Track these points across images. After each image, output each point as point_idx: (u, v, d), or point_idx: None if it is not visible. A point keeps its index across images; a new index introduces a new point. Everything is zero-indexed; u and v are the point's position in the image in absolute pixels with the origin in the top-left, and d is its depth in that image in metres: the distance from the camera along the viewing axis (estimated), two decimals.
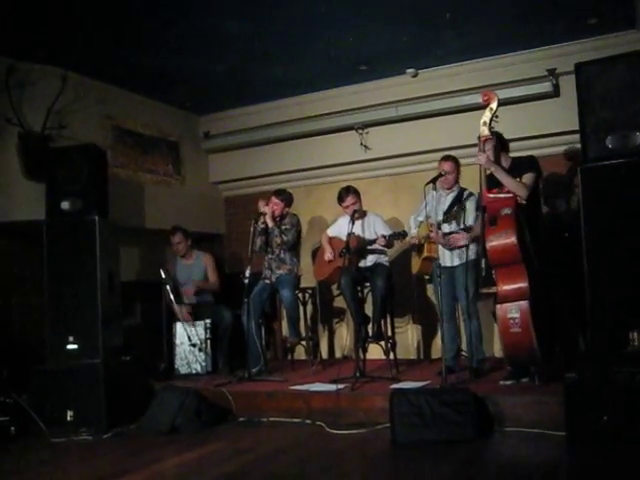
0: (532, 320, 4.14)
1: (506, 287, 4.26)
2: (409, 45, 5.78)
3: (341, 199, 5.58)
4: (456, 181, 5.16)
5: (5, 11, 4.64)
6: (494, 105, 4.49)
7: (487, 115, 4.50)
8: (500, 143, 4.75)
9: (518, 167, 4.61)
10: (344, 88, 6.81)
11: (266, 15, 5.02)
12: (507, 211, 4.30)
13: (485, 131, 4.51)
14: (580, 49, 5.64)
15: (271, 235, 5.89)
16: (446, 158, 5.17)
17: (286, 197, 5.99)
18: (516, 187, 4.48)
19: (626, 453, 3.37)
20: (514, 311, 4.18)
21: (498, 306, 4.26)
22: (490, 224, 4.31)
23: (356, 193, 5.58)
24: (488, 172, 4.56)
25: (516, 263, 4.24)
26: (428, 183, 4.87)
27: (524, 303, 4.18)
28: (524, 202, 4.47)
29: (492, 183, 4.53)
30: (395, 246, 5.78)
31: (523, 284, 4.22)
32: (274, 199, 5.93)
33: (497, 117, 4.52)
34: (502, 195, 4.46)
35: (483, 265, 4.45)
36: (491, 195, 4.45)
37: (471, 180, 5.20)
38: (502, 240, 4.25)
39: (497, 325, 4.32)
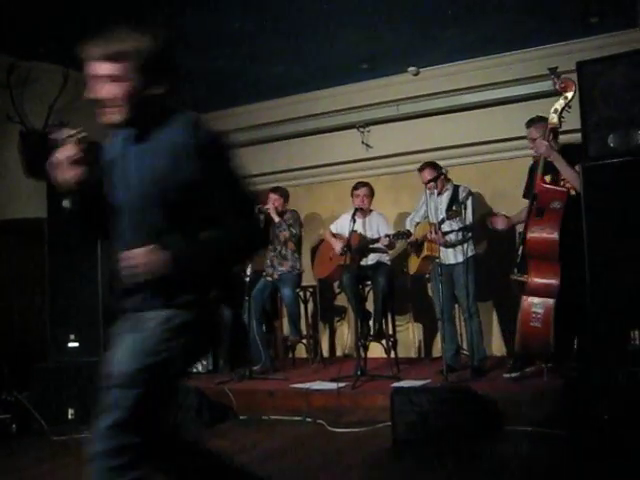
0: (554, 320, 4.11)
1: (537, 280, 4.21)
2: (411, 43, 5.78)
3: (355, 188, 5.64)
4: (444, 181, 5.15)
5: (7, 9, 4.64)
6: (570, 94, 4.26)
7: (560, 103, 4.29)
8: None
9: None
10: (346, 86, 6.80)
11: (268, 13, 5.02)
12: (557, 205, 4.19)
13: (555, 119, 4.33)
14: (582, 48, 5.63)
15: (276, 230, 5.91)
16: (423, 167, 5.18)
17: (283, 192, 6.05)
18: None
19: (627, 452, 3.37)
20: (539, 306, 4.15)
21: (524, 297, 4.22)
22: (536, 214, 4.23)
23: (371, 189, 5.65)
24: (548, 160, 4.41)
25: (553, 259, 4.19)
26: (430, 181, 4.87)
27: (551, 301, 4.14)
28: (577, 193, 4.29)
29: (548, 169, 4.43)
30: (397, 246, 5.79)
31: (554, 282, 4.16)
32: (273, 195, 5.96)
33: (570, 107, 4.29)
34: (556, 187, 4.35)
35: (520, 252, 4.40)
36: (545, 185, 4.34)
37: (473, 178, 5.22)
38: (544, 234, 4.18)
39: (518, 314, 4.26)
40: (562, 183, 4.43)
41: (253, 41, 5.53)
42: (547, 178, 4.45)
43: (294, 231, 5.88)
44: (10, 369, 4.97)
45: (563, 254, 4.18)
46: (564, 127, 5.76)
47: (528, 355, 4.48)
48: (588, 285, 3.69)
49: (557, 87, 4.35)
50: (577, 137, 4.82)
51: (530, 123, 4.67)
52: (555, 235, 4.15)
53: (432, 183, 4.91)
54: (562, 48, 5.85)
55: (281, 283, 5.86)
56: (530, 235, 4.23)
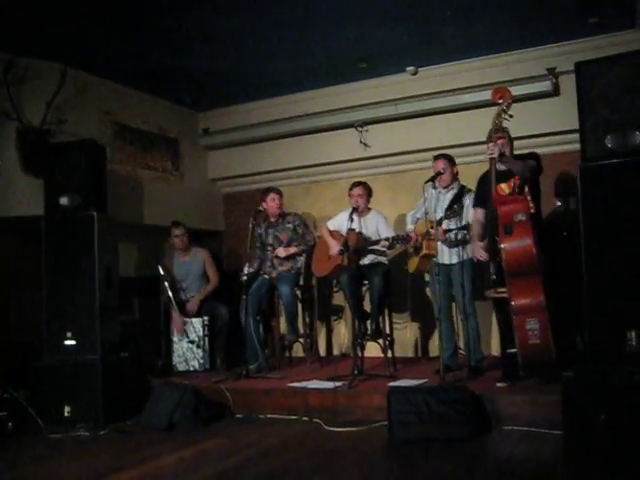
0: (551, 330, 4.07)
1: (522, 301, 4.12)
2: (409, 43, 5.77)
3: (350, 188, 5.67)
4: (454, 179, 5.16)
5: (5, 6, 4.63)
6: (507, 103, 4.34)
7: (499, 114, 4.35)
8: (510, 140, 4.65)
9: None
10: (344, 86, 6.80)
11: (266, 12, 5.01)
12: (522, 217, 4.14)
13: (497, 131, 4.40)
14: (580, 48, 5.64)
15: (276, 232, 5.93)
16: (438, 157, 5.18)
17: (280, 190, 6.07)
18: (520, 168, 4.37)
19: (623, 452, 3.37)
20: (533, 322, 4.07)
21: (514, 317, 4.14)
22: (506, 232, 4.14)
23: (367, 188, 5.66)
24: (501, 168, 4.46)
25: (532, 274, 4.11)
26: (427, 181, 4.87)
27: (543, 315, 4.07)
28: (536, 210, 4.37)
29: (500, 177, 4.45)
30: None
31: (540, 297, 4.09)
32: (273, 195, 5.95)
33: (511, 116, 4.35)
34: (514, 197, 4.32)
35: (492, 270, 4.37)
36: (502, 198, 4.31)
37: (470, 178, 5.21)
38: (520, 250, 4.09)
39: (515, 333, 4.15)
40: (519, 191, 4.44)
41: (251, 40, 5.53)
42: (503, 186, 4.44)
43: (310, 243, 5.94)
44: (6, 367, 4.96)
45: (540, 264, 4.14)
46: (562, 128, 5.79)
47: (534, 368, 4.44)
48: (585, 286, 3.69)
49: (494, 98, 4.44)
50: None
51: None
52: (530, 243, 4.08)
53: (430, 182, 4.91)
54: (561, 48, 5.86)
55: (279, 281, 5.85)
56: (505, 254, 4.13)
